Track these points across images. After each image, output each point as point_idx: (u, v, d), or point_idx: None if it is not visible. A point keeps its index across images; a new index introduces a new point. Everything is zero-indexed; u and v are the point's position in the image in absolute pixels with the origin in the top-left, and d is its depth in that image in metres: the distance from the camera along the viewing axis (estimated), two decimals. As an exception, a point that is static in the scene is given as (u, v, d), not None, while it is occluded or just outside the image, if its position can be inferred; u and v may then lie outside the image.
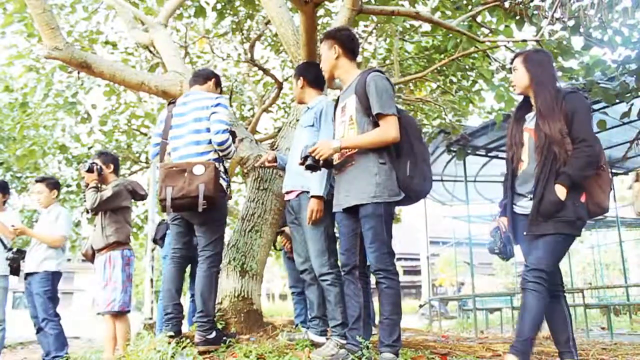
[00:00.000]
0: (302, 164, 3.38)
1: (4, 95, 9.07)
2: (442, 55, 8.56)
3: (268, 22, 8.56)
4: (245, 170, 4.51)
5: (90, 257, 5.16)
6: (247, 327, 4.12)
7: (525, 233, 3.06)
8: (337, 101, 3.65)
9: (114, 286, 4.86)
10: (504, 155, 9.29)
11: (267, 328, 4.18)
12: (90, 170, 4.97)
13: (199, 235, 3.92)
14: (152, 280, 10.39)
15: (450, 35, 7.91)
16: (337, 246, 3.73)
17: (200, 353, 3.59)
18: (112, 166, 5.24)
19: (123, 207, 5.07)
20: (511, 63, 3.31)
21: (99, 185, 5.00)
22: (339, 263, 3.57)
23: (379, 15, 5.69)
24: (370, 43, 9.56)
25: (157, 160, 4.18)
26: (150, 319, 10.19)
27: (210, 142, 3.80)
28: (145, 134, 10.24)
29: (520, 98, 3.36)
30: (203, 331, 3.72)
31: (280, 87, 8.69)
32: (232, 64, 10.88)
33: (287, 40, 4.83)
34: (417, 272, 35.69)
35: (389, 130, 3.23)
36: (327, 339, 3.71)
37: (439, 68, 7.86)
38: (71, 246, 12.11)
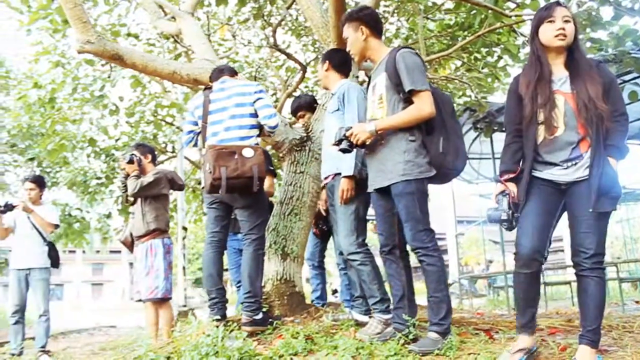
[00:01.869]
0: (336, 145, 3.40)
1: (32, 91, 9.13)
2: (466, 32, 8.48)
3: (289, 7, 8.53)
4: (281, 154, 4.54)
5: (129, 244, 5.25)
6: (290, 310, 4.18)
7: (591, 210, 2.73)
8: (369, 81, 3.65)
9: (156, 274, 4.91)
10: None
11: (310, 310, 4.23)
12: (131, 162, 5.06)
13: (242, 219, 3.97)
14: (184, 267, 10.55)
15: (475, 11, 7.83)
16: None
17: (248, 335, 3.65)
18: (149, 156, 5.34)
19: (162, 195, 5.13)
20: (549, 10, 2.89)
21: (140, 175, 5.06)
22: (379, 244, 3.59)
23: (406, -7, 5.61)
24: (392, 23, 9.49)
25: (191, 147, 4.23)
26: (184, 306, 10.35)
27: (252, 126, 3.93)
28: (171, 124, 10.31)
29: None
30: (250, 312, 3.78)
31: (304, 71, 8.66)
32: (254, 50, 10.86)
33: (315, 23, 4.82)
34: (444, 252, 35.57)
35: (423, 106, 3.20)
36: (370, 317, 3.75)
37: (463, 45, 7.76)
38: (102, 238, 12.31)
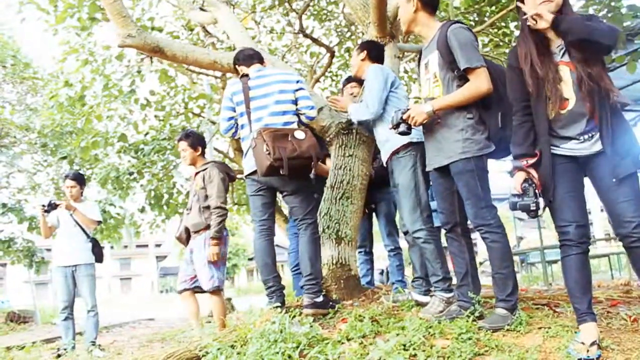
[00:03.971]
0: (394, 128, 3.37)
1: (62, 90, 9.17)
2: (493, 8, 8.36)
3: (314, -10, 8.48)
4: (328, 138, 4.52)
5: (184, 240, 5.12)
6: (347, 294, 4.18)
7: (614, 179, 2.65)
8: (419, 57, 3.60)
9: (213, 264, 4.79)
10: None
11: (367, 292, 4.23)
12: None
13: (294, 205, 3.99)
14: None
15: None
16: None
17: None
18: (200, 149, 5.10)
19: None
20: None
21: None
22: (439, 222, 3.58)
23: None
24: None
25: (229, 135, 4.21)
26: (222, 296, 10.40)
27: (294, 113, 4.00)
28: (198, 115, 10.30)
29: None
30: (312, 294, 3.81)
31: (332, 55, 8.61)
32: (276, 37, 10.82)
33: (353, 5, 4.78)
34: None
35: (480, 83, 3.14)
36: (431, 296, 3.74)
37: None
38: (135, 232, 12.42)
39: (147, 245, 45.20)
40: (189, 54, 4.68)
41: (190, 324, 5.13)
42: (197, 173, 5.01)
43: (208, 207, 4.85)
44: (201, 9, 6.02)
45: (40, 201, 8.00)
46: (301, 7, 8.77)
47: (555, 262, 12.60)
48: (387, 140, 3.78)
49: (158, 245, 46.24)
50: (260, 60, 4.26)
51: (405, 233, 3.92)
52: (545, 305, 3.78)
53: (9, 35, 11.90)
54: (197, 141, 5.12)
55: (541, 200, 2.81)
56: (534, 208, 2.76)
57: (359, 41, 4.27)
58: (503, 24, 8.71)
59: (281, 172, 3.66)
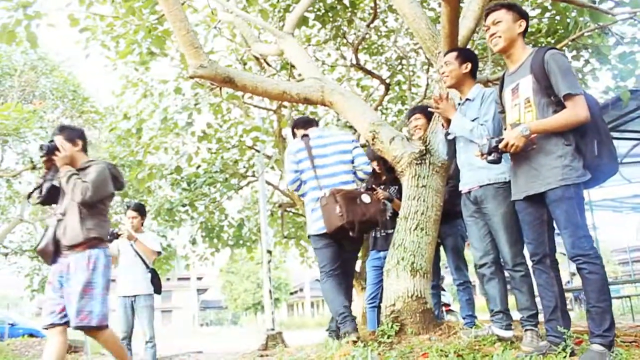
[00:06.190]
0: (484, 156, 3.27)
1: (121, 124, 9.40)
2: (550, 38, 8.28)
3: (369, 24, 8.54)
4: (400, 169, 4.45)
5: (50, 255, 3.95)
6: (423, 327, 4.03)
7: None
8: (502, 82, 3.52)
9: (91, 294, 3.83)
10: (618, 135, 8.59)
11: (442, 327, 4.09)
12: (51, 152, 3.94)
13: (348, 260, 4.55)
14: (270, 291, 10.52)
15: (560, 16, 7.62)
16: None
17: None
18: (80, 143, 4.12)
19: (108, 195, 4.07)
20: None
21: (76, 172, 3.95)
22: (527, 253, 3.46)
23: (511, -1, 5.44)
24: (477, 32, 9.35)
25: (293, 189, 4.59)
26: (272, 329, 10.28)
27: (352, 172, 4.48)
28: (251, 147, 10.38)
29: None
30: None
31: (387, 88, 8.63)
32: (328, 70, 10.91)
33: (422, 35, 4.73)
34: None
35: (579, 110, 3.06)
36: (526, 330, 3.55)
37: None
38: (186, 265, 12.50)
39: (188, 278, 45.40)
40: (258, 85, 4.71)
41: None
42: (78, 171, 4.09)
43: (91, 216, 3.93)
44: (277, 39, 6.08)
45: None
46: (356, 40, 8.80)
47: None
48: (485, 167, 3.60)
49: (199, 279, 46.47)
50: (317, 125, 4.79)
51: (482, 266, 3.76)
52: (633, 342, 3.58)
53: (68, 72, 12.35)
54: (74, 134, 4.14)
55: None
56: None
57: (423, 65, 4.17)
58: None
59: (351, 233, 4.05)
